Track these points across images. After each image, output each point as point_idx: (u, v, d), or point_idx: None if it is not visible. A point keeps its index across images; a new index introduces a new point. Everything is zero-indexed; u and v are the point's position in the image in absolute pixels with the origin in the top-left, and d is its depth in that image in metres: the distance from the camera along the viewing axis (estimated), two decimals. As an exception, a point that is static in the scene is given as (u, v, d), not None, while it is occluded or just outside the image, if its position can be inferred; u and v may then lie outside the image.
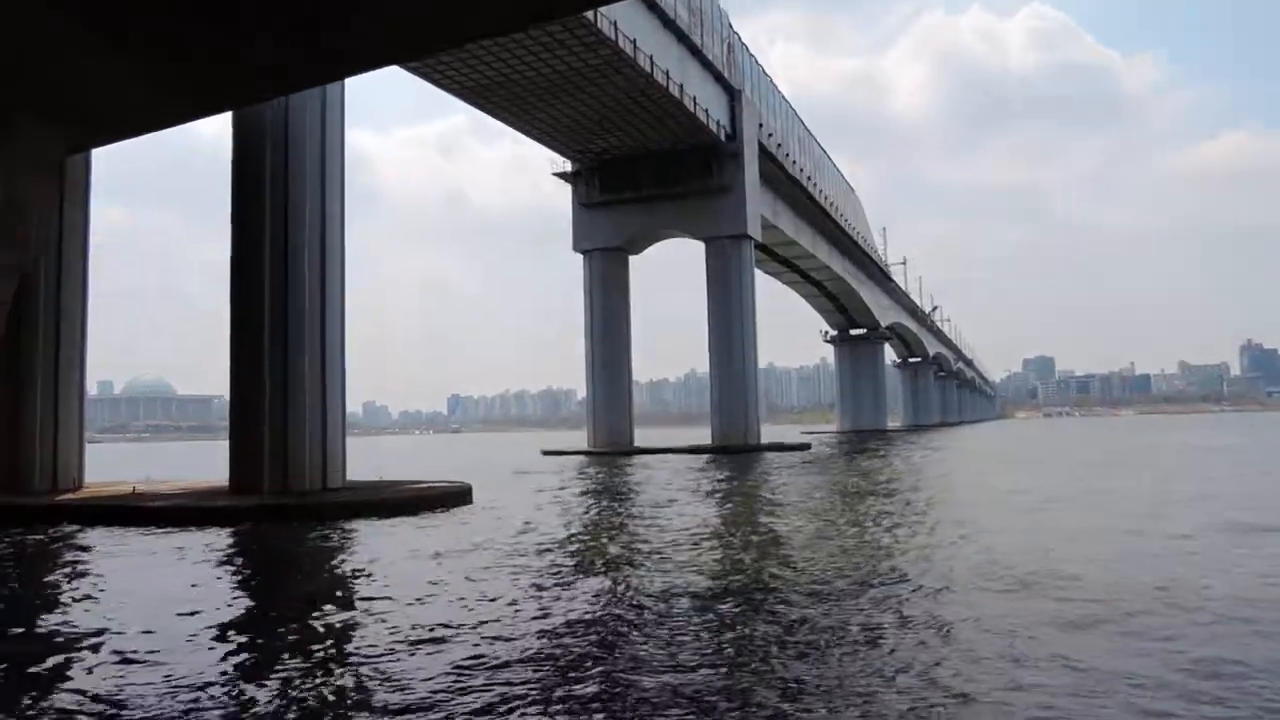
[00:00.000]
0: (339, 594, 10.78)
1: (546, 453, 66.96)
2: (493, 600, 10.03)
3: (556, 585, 10.53)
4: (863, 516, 16.64)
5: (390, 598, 10.34)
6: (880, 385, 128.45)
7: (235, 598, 10.72)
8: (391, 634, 8.53)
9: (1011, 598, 9.44)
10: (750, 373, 66.05)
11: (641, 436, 70.86)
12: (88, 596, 10.42)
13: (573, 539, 14.91)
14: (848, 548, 12.68)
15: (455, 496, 24.70)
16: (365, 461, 61.38)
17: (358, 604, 10.20)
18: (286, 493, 22.30)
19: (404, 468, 53.65)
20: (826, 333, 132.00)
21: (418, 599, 10.18)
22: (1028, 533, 14.41)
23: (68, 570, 12.46)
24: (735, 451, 60.18)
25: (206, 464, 50.73)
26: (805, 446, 65.04)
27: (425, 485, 26.73)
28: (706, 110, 61.66)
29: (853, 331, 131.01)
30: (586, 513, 21.31)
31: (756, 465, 40.53)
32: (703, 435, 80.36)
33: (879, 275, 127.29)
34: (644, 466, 42.69)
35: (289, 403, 24.54)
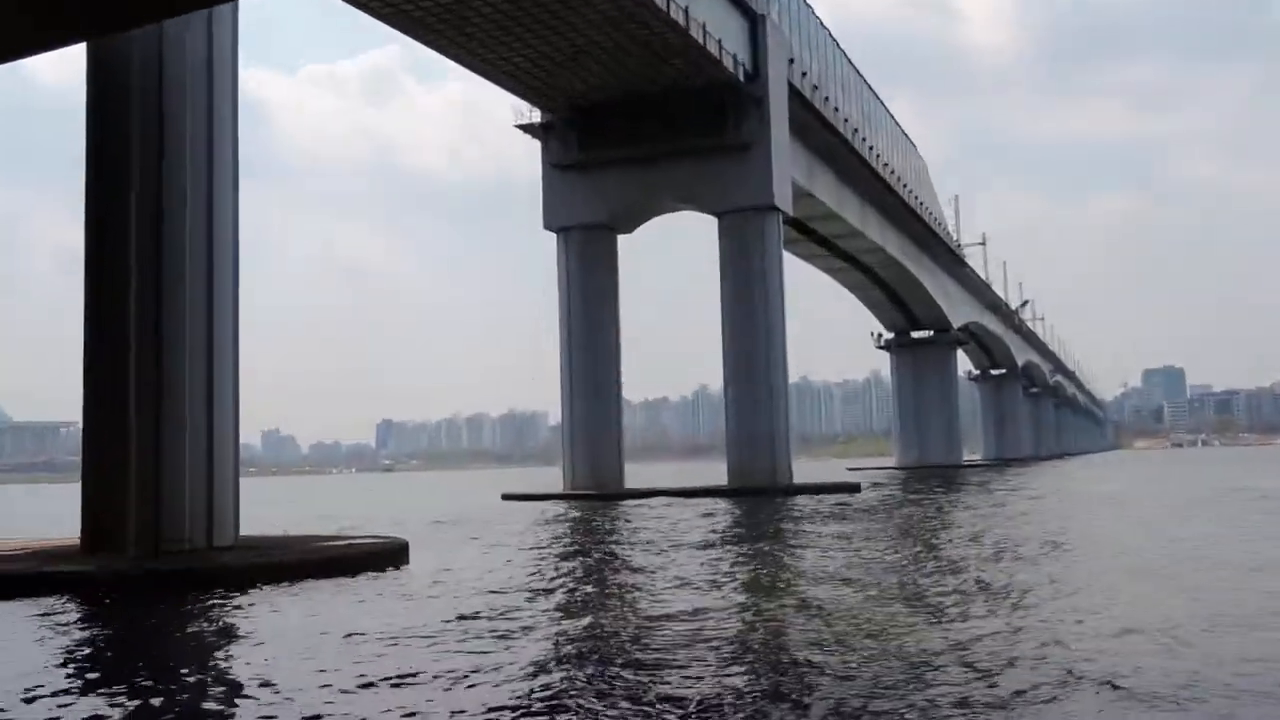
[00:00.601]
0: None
1: (509, 497, 66.16)
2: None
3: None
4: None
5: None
6: (952, 405, 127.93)
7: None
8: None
9: None
10: (778, 389, 65.58)
11: (634, 475, 70.78)
12: None
13: (533, 627, 14.57)
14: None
15: (385, 557, 24.63)
16: (267, 510, 61.22)
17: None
18: (159, 552, 22.16)
19: (319, 518, 53.64)
20: (880, 336, 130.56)
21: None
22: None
23: None
24: (758, 494, 59.53)
25: (50, 514, 50.44)
26: (852, 488, 64.60)
27: (346, 542, 26.56)
28: (719, 41, 61.26)
29: (915, 334, 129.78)
30: (554, 584, 21.07)
31: (785, 516, 40.46)
32: (715, 472, 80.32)
33: (949, 259, 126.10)
34: (634, 517, 42.66)
35: (162, 431, 23.99)
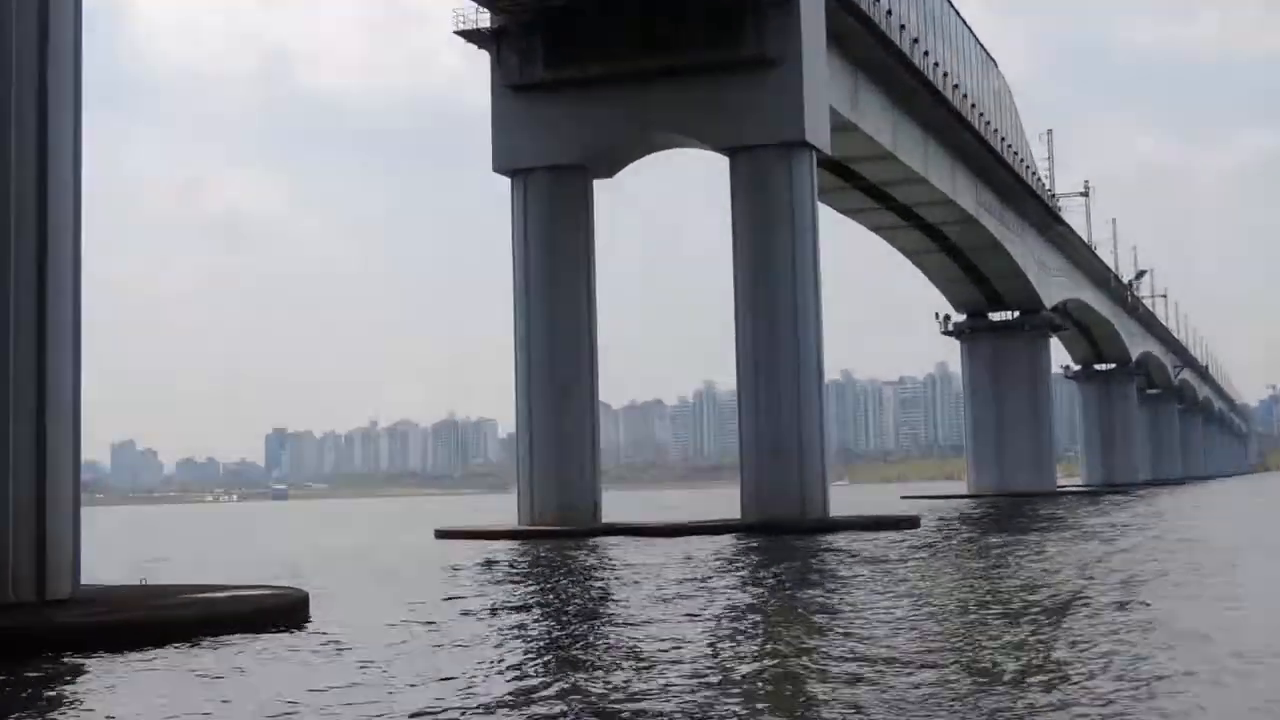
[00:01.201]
0: None
1: (444, 535, 66.43)
2: None
3: None
4: None
5: None
6: (1043, 411, 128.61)
7: None
8: None
9: None
10: (809, 389, 65.82)
11: (615, 505, 70.78)
12: None
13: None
14: None
15: (278, 614, 24.64)
16: (122, 551, 60.70)
17: None
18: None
19: (186, 562, 53.46)
20: (947, 318, 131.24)
21: None
22: None
23: None
24: (783, 532, 59.70)
25: None
26: (908, 523, 64.99)
27: (227, 593, 26.54)
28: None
29: (994, 316, 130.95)
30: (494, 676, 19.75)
31: (820, 572, 40.32)
32: (725, 501, 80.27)
33: (1040, 216, 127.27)
34: (606, 568, 42.45)
35: (-25, 444, 23.89)
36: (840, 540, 53.04)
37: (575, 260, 67.71)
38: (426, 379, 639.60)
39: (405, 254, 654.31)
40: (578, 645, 22.09)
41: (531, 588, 35.24)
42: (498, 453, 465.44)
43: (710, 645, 21.35)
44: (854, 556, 42.76)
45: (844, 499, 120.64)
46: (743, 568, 40.28)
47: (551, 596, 31.76)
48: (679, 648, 20.84)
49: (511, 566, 44.46)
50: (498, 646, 22.00)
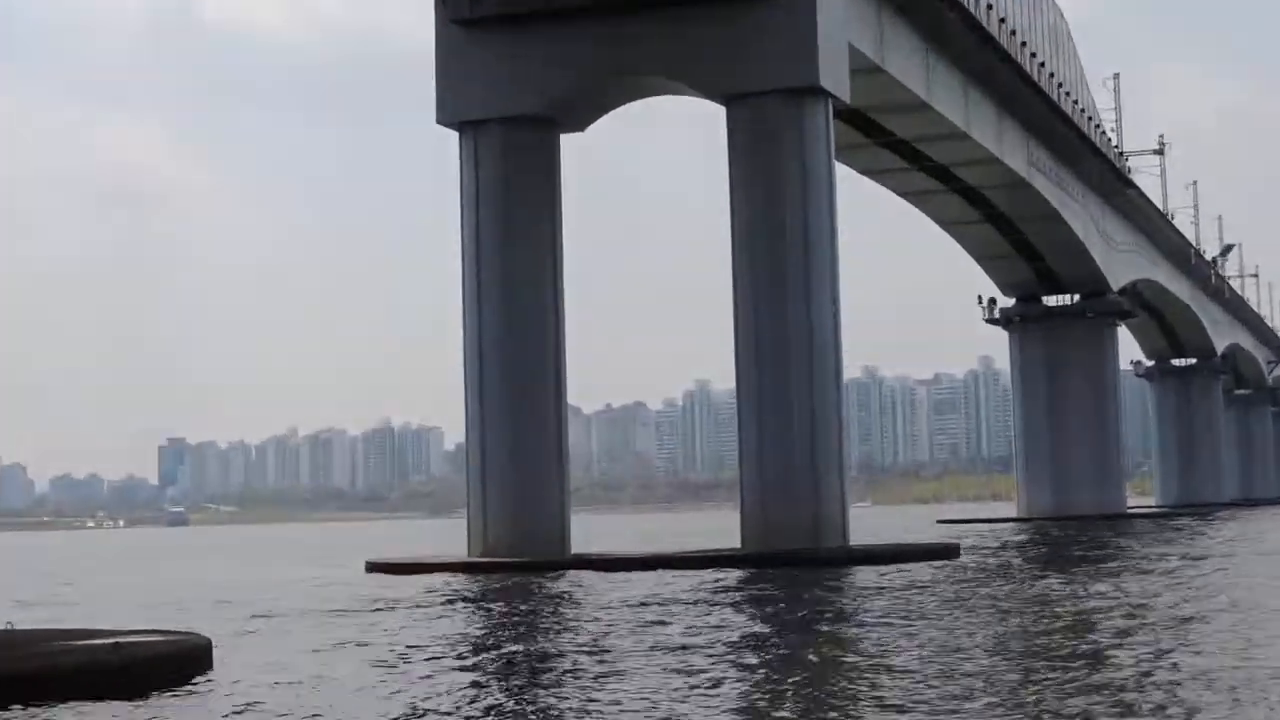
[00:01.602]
0: None
1: (377, 568, 67.08)
2: None
3: None
4: None
5: None
6: (1109, 417, 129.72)
7: None
8: None
9: None
10: (825, 389, 66.31)
11: (587, 531, 70.70)
12: None
13: None
14: None
15: (173, 664, 24.56)
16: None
17: None
18: None
19: (62, 601, 53.18)
20: (992, 303, 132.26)
21: None
22: None
23: None
24: (792, 565, 60.04)
25: None
26: (947, 553, 65.75)
27: (112, 640, 26.47)
28: None
29: (1050, 300, 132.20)
30: None
31: (834, 617, 40.33)
32: (723, 526, 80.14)
33: (1105, 178, 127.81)
34: (571, 611, 42.49)
35: None
36: (863, 576, 53.16)
37: (538, 233, 67.78)
38: (356, 378, 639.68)
39: (332, 226, 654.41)
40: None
41: (477, 633, 35.37)
42: (443, 468, 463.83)
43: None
44: (882, 593, 42.81)
45: (867, 524, 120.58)
46: (744, 609, 40.32)
47: (500, 645, 31.76)
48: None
49: (455, 607, 44.53)
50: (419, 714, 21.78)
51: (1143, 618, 33.57)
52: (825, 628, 33.75)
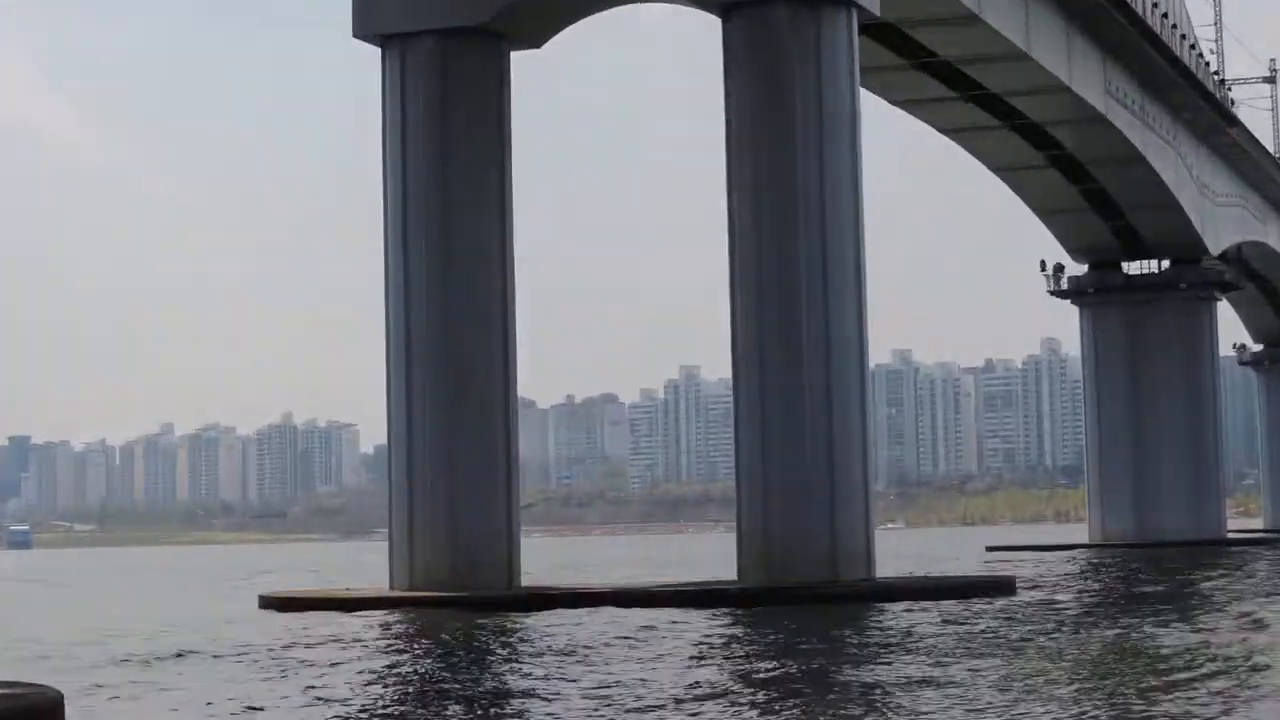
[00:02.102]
0: None
1: (271, 604, 67.40)
2: None
3: None
4: None
5: None
6: (1206, 417, 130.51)
7: None
8: None
9: None
10: (846, 380, 66.98)
11: (542, 557, 70.36)
12: None
13: None
14: None
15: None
16: None
17: None
18: None
19: None
20: (1059, 271, 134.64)
21: None
22: None
23: None
24: (803, 601, 60.53)
25: None
26: (998, 588, 66.52)
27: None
28: None
29: (1132, 268, 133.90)
30: None
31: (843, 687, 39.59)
32: (714, 553, 79.57)
33: (1204, 115, 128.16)
34: (514, 668, 41.93)
35: None
36: (892, 620, 53.18)
37: (482, 179, 67.83)
38: (248, 364, 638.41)
39: (218, 168, 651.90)
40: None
41: (389, 695, 35.10)
42: (358, 477, 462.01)
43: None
44: (909, 642, 42.80)
45: (898, 549, 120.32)
46: (732, 661, 40.28)
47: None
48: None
49: (367, 654, 44.45)
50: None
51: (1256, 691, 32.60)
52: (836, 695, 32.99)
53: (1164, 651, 39.10)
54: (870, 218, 67.77)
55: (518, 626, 53.43)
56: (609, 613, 58.07)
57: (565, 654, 42.18)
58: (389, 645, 47.87)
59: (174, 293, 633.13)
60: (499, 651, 44.80)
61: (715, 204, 67.70)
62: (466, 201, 67.54)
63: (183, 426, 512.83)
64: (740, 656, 41.62)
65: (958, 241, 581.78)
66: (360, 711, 31.05)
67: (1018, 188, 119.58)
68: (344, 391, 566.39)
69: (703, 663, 39.44)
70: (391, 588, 66.46)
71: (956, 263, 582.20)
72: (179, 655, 45.21)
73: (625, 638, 47.15)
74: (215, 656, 43.99)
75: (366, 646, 47.19)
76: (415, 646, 47.45)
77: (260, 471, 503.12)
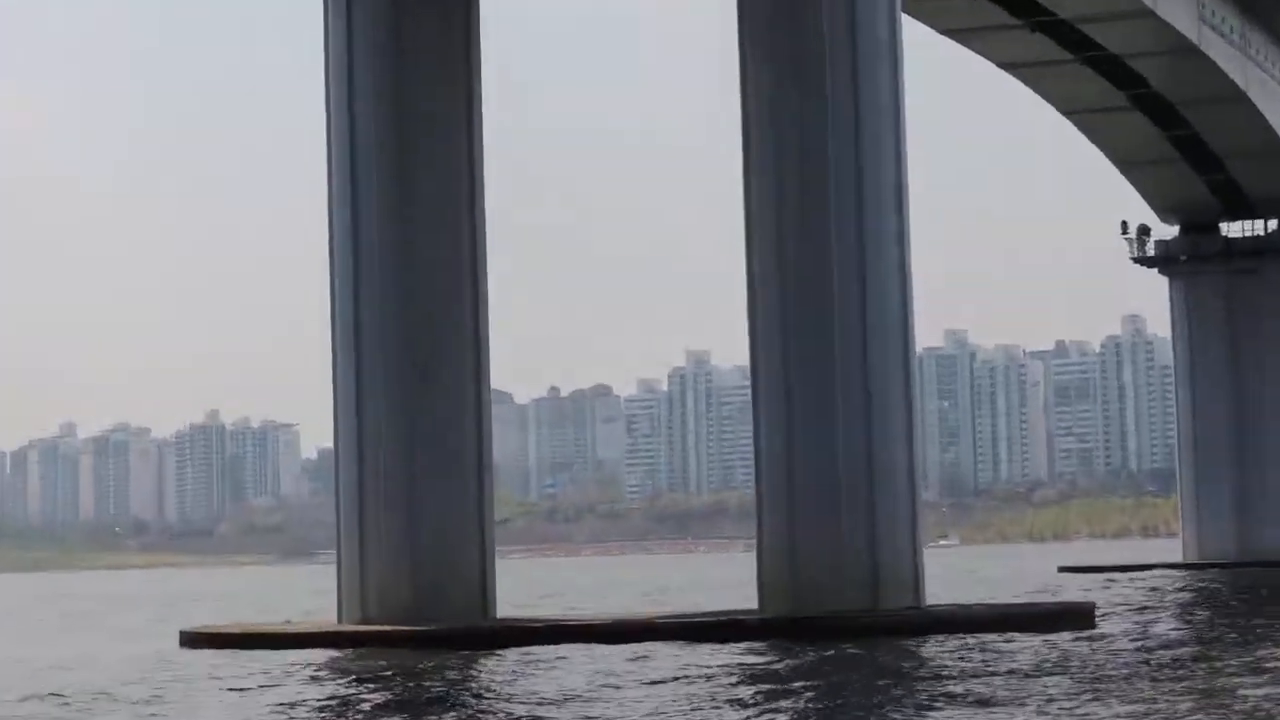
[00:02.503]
0: None
1: (196, 641, 66.71)
2: None
3: None
4: None
5: None
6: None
7: None
8: None
9: None
10: (888, 367, 67.16)
11: (522, 583, 70.04)
12: None
13: None
14: None
15: None
16: None
17: None
18: None
19: None
20: (1144, 234, 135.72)
21: None
22: None
23: None
24: (837, 636, 60.22)
25: None
26: (1074, 619, 66.38)
27: None
28: None
29: (1232, 231, 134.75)
30: None
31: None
32: (729, 576, 79.23)
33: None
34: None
35: None
36: (946, 654, 53.23)
37: (447, 131, 67.87)
38: (166, 352, 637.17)
39: (137, 133, 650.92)
40: None
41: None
42: (300, 487, 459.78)
43: None
44: (958, 685, 42.85)
45: (950, 572, 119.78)
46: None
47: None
48: None
49: (290, 703, 44.50)
50: None
51: None
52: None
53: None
54: (915, 173, 67.63)
55: (489, 667, 53.41)
56: (595, 651, 57.77)
57: (554, 702, 42.25)
58: (325, 702, 46.99)
59: (74, 273, 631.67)
60: (466, 701, 44.58)
61: (728, 152, 67.58)
62: (427, 160, 67.56)
63: (86, 428, 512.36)
64: (754, 705, 41.31)
65: (1022, 201, 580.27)
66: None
67: (1095, 134, 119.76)
68: (280, 385, 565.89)
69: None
70: (341, 620, 66.61)
71: (1021, 227, 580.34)
72: (94, 704, 45.24)
73: (611, 685, 46.96)
74: (128, 702, 44.01)
75: (295, 701, 46.56)
76: (358, 699, 46.92)
77: (180, 482, 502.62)
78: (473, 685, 48.49)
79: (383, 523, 67.05)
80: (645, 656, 55.01)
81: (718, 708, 40.94)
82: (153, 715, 42.36)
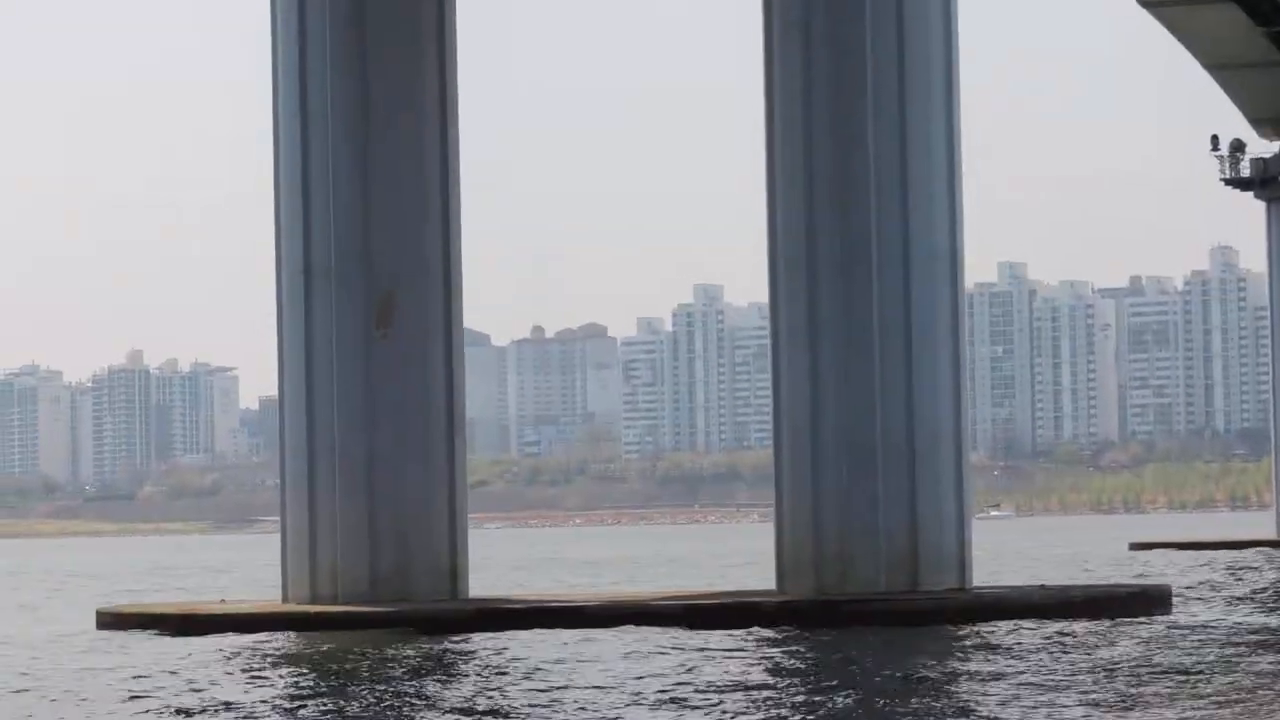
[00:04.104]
0: None
1: (113, 622, 67.56)
2: None
3: None
4: None
5: None
6: None
7: None
8: None
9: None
10: (931, 307, 67.86)
11: (500, 556, 70.08)
12: None
13: None
14: None
15: None
16: None
17: None
18: None
19: None
20: (1237, 150, 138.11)
21: None
22: None
23: None
24: (870, 622, 60.99)
25: None
26: (1146, 603, 66.87)
27: None
28: None
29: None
30: None
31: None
32: (744, 549, 79.39)
33: None
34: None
35: None
36: (996, 650, 52.99)
37: (411, 40, 68.39)
38: (82, 285, 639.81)
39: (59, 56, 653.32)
40: None
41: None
42: (239, 442, 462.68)
43: None
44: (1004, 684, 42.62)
45: (1002, 546, 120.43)
46: None
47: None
48: None
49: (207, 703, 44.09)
50: None
51: None
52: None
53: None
54: (966, 76, 67.66)
55: (460, 654, 53.27)
56: (582, 636, 57.90)
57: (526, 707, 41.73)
58: (254, 695, 46.41)
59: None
60: (428, 693, 44.07)
61: (747, 60, 67.53)
62: (390, 64, 68.26)
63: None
64: (773, 699, 41.08)
65: (1094, 111, 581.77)
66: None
67: (1178, 30, 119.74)
68: (216, 324, 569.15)
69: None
70: (286, 599, 67.05)
71: (1091, 142, 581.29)
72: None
73: (603, 686, 46.59)
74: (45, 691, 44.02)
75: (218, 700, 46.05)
76: (296, 692, 46.58)
77: (98, 435, 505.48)
78: (434, 675, 48.09)
79: (336, 485, 67.23)
80: (642, 643, 54.89)
81: (726, 711, 40.65)
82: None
